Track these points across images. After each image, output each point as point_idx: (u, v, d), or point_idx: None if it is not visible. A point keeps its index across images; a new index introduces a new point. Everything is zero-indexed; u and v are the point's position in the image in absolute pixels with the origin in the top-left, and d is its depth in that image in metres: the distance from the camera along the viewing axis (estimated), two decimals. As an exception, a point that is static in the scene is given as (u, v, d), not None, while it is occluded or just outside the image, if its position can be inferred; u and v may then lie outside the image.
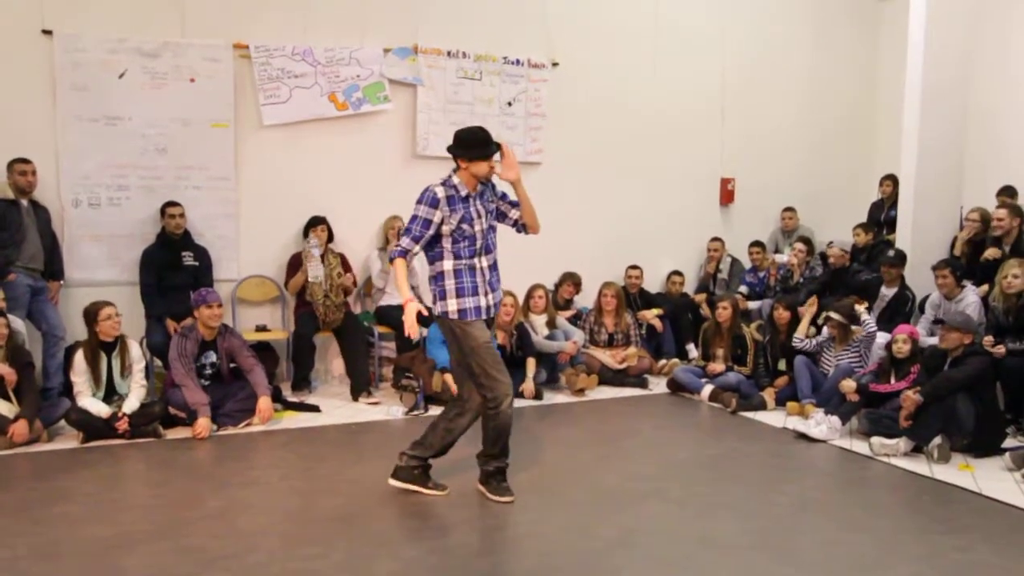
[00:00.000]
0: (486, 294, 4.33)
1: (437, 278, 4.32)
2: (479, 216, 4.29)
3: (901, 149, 7.39)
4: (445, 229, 4.23)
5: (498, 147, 4.26)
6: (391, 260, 4.31)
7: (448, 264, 4.27)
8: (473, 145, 4.24)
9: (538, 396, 6.75)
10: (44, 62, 6.45)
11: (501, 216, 4.50)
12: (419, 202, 4.24)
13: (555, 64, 8.15)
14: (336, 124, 7.36)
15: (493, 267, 4.41)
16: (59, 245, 6.44)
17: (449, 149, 4.33)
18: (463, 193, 4.26)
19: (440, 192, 4.23)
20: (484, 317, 4.32)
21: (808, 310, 6.73)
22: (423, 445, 4.49)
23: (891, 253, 7.16)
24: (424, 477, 4.51)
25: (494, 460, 4.44)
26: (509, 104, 7.97)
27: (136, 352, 5.75)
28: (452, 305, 4.27)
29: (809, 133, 9.46)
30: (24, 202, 6.12)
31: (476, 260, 4.31)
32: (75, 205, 6.61)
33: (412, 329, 4.15)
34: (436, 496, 4.44)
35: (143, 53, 6.68)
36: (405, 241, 4.24)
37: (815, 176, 9.43)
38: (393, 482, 4.52)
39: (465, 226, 4.24)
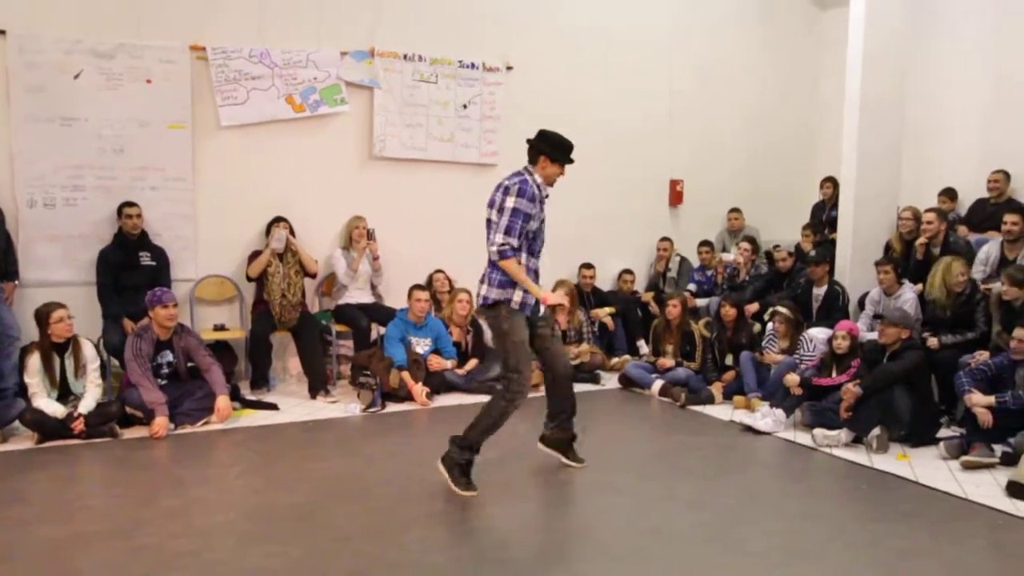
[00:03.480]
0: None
1: (501, 267, 4.26)
2: (543, 217, 4.36)
3: (842, 152, 7.50)
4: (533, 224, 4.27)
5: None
6: (502, 259, 4.20)
7: (522, 257, 4.27)
8: (561, 148, 4.27)
9: (493, 392, 6.71)
10: (-3, 62, 6.27)
11: None
12: (518, 195, 4.17)
13: (509, 68, 8.13)
14: (293, 126, 7.26)
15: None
16: (14, 246, 6.25)
17: (532, 143, 4.33)
18: (544, 193, 4.32)
19: (536, 190, 4.25)
20: (529, 314, 4.37)
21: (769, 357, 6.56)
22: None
23: (812, 254, 7.28)
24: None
25: (468, 452, 4.40)
26: (464, 107, 7.94)
27: (90, 352, 5.61)
28: (517, 296, 4.26)
29: (755, 137, 9.56)
30: (-23, 203, 5.94)
31: (535, 260, 4.38)
32: (30, 206, 6.42)
33: (557, 298, 4.41)
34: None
35: (98, 54, 6.52)
36: (510, 240, 4.18)
37: (760, 178, 9.53)
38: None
39: (535, 224, 4.29)
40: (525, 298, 4.30)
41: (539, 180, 4.30)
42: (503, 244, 4.17)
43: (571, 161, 4.34)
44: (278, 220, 6.93)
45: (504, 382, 4.37)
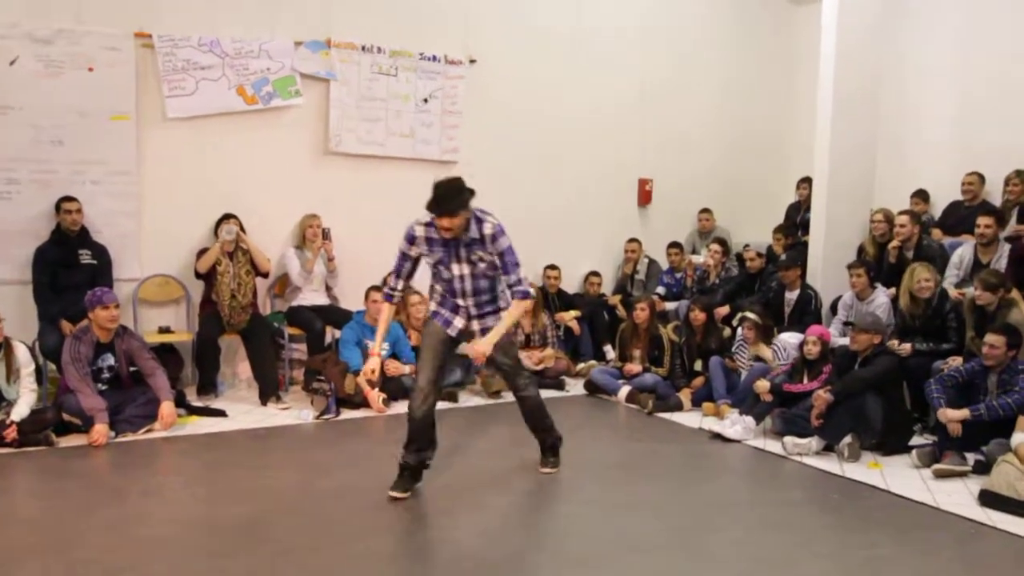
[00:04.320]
0: (457, 314, 4.57)
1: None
2: (458, 262, 4.43)
3: (814, 153, 7.61)
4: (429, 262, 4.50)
5: (448, 212, 4.25)
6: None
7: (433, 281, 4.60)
8: (432, 201, 4.26)
9: (453, 399, 6.73)
10: (-74, 47, 6.16)
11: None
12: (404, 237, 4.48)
13: (472, 61, 8.14)
14: (245, 118, 7.21)
15: (485, 304, 4.58)
16: (-57, 242, 6.16)
17: None
18: (443, 236, 4.37)
19: (419, 231, 4.41)
20: (444, 327, 4.57)
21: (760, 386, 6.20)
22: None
23: (782, 257, 7.37)
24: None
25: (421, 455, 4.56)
26: (425, 101, 7.93)
27: (23, 355, 5.51)
28: (432, 306, 4.64)
29: (727, 135, 9.65)
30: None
31: (456, 299, 4.55)
32: (-39, 199, 6.33)
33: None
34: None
35: (36, 39, 6.42)
36: (391, 280, 4.60)
37: (732, 178, 9.62)
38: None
39: (442, 268, 4.47)
40: (438, 309, 4.62)
41: (433, 222, 4.35)
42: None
43: (436, 211, 4.27)
44: (227, 217, 6.85)
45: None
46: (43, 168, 6.53)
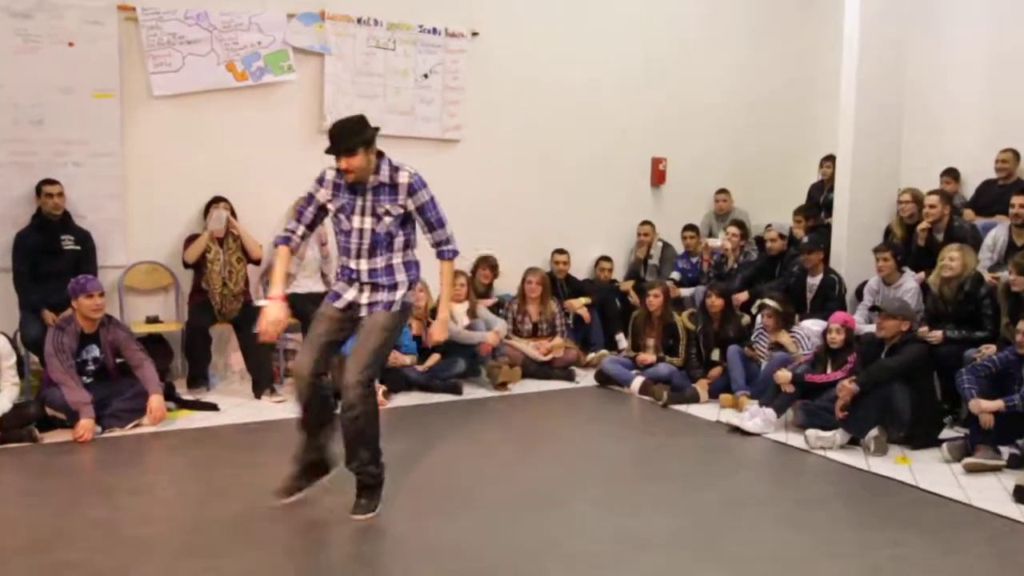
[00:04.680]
0: (350, 285, 4.24)
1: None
2: (361, 214, 4.15)
3: (838, 129, 7.56)
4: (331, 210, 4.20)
5: (346, 151, 4.03)
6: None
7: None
8: (329, 142, 4.09)
9: (457, 391, 6.73)
10: (-102, 21, 6.15)
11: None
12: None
13: (475, 34, 8.10)
14: (235, 96, 7.19)
15: (379, 272, 4.21)
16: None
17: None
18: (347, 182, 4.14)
19: (330, 174, 4.20)
20: (332, 302, 4.26)
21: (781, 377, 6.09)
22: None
23: (804, 240, 7.33)
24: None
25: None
26: (425, 76, 7.90)
27: (3, 347, 5.52)
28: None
29: (745, 109, 9.59)
30: None
31: (351, 261, 4.22)
32: (-64, 182, 6.34)
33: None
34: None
35: (13, 13, 6.39)
36: (290, 223, 4.30)
37: (751, 156, 9.57)
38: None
39: (342, 217, 4.17)
40: (335, 286, 4.37)
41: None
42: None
43: (332, 150, 4.08)
44: (217, 200, 6.86)
45: None
46: (22, 149, 6.53)
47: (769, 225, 8.13)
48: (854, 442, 5.42)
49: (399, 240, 4.22)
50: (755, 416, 5.81)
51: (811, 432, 5.49)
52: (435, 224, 4.23)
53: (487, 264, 7.93)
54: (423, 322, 6.89)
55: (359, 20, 7.60)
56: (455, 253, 4.31)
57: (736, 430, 5.81)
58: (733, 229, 8.08)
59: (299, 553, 3.80)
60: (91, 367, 5.67)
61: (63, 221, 6.46)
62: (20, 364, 5.75)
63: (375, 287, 4.21)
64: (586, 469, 5.01)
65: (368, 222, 4.14)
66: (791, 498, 4.66)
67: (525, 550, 3.84)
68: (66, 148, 6.66)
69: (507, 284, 8.05)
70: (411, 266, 4.31)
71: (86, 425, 5.35)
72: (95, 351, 5.67)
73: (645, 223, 8.88)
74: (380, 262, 4.21)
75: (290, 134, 7.42)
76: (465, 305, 7.29)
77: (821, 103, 9.50)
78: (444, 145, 7.94)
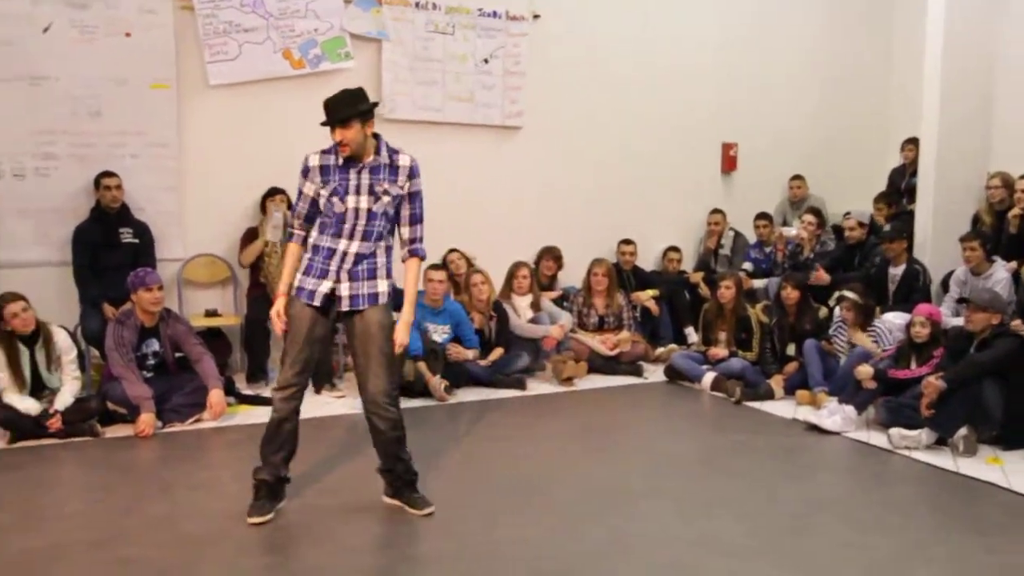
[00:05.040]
0: (325, 277, 4.10)
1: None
2: (357, 193, 4.06)
3: (922, 108, 7.41)
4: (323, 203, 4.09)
5: (340, 122, 3.98)
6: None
7: (312, 237, 4.17)
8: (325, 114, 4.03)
9: (521, 386, 6.75)
10: (-42, 14, 6.35)
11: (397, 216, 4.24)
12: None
13: (536, 16, 8.10)
14: (292, 84, 7.29)
15: (366, 257, 4.14)
16: (-20, 221, 6.37)
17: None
18: (336, 161, 4.08)
19: (313, 160, 4.11)
20: (310, 302, 4.09)
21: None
22: None
23: (886, 228, 7.20)
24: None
25: (261, 471, 4.27)
26: (485, 61, 7.93)
27: (64, 342, 5.65)
28: (297, 281, 4.15)
29: (820, 91, 9.47)
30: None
31: (338, 242, 4.11)
32: (-3, 176, 6.53)
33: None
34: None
35: (71, 4, 6.57)
36: (296, 222, 4.23)
37: (827, 139, 9.44)
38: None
39: (335, 200, 4.06)
40: (302, 282, 4.15)
41: (331, 148, 4.10)
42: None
43: (327, 121, 4.02)
44: (275, 192, 6.97)
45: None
46: (81, 141, 6.71)
47: (848, 213, 8.00)
48: (941, 442, 5.32)
49: (388, 227, 4.18)
50: (834, 414, 5.73)
51: (895, 431, 5.40)
52: (417, 218, 4.21)
53: (551, 255, 7.93)
54: (485, 315, 6.93)
55: (417, 4, 7.65)
56: (424, 255, 4.30)
57: (814, 428, 5.74)
58: (809, 217, 7.96)
59: (364, 552, 3.84)
60: (151, 361, 5.80)
61: (121, 214, 6.61)
62: (81, 358, 5.90)
63: (352, 275, 4.10)
64: (656, 468, 4.99)
65: (365, 201, 4.06)
66: (875, 501, 4.59)
67: (597, 551, 3.84)
68: (123, 140, 6.83)
69: (572, 276, 8.04)
70: (389, 253, 4.25)
71: (147, 420, 5.48)
72: (155, 345, 5.81)
73: (715, 211, 8.81)
74: (368, 247, 4.12)
75: (348, 123, 7.49)
76: (528, 298, 7.31)
77: (902, 82, 9.31)
78: (505, 132, 7.97)
